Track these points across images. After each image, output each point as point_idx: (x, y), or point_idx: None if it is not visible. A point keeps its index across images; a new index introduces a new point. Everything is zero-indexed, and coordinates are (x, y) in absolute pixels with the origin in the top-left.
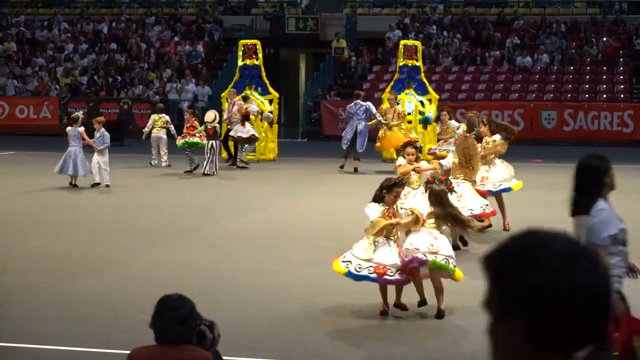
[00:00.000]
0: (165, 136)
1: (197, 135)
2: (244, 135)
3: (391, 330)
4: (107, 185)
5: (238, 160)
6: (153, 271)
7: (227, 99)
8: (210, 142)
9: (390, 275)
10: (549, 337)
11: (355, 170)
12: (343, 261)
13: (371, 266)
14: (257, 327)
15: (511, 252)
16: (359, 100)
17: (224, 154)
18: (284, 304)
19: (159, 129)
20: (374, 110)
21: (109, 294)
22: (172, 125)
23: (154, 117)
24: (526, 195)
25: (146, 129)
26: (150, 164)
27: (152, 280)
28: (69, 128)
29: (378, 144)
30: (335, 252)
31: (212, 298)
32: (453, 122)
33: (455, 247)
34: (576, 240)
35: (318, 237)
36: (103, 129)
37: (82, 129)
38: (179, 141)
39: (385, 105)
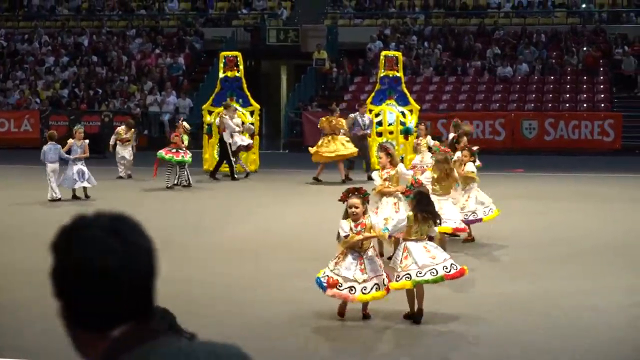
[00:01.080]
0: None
1: (182, 151)
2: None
3: (373, 338)
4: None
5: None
6: None
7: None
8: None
9: (339, 289)
10: (79, 317)
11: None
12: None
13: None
14: (241, 339)
15: (56, 237)
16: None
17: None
18: (267, 315)
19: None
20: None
21: None
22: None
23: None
24: (507, 205)
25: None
26: (129, 176)
27: None
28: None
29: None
30: (319, 262)
31: (195, 311)
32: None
33: None
34: (123, 222)
35: (301, 247)
36: (49, 142)
37: (87, 141)
38: (173, 156)
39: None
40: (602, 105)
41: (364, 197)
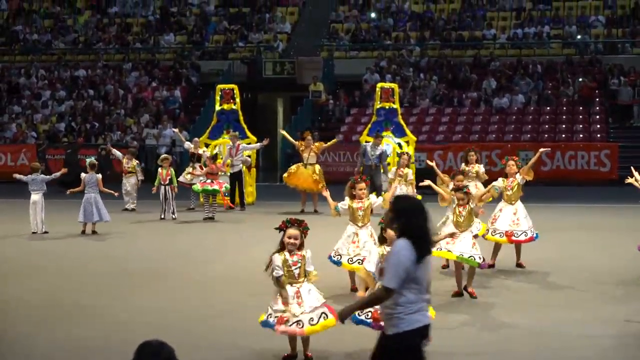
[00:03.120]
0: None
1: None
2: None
3: None
4: (44, 232)
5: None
6: (135, 317)
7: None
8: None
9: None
10: None
11: None
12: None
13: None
14: None
15: None
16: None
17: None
18: (266, 347)
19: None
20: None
21: (90, 340)
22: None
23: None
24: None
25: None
26: (131, 209)
27: (134, 326)
28: (84, 175)
29: (286, 175)
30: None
31: (193, 343)
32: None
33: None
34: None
35: None
36: (34, 173)
37: (99, 176)
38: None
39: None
40: (598, 135)
41: (304, 231)
